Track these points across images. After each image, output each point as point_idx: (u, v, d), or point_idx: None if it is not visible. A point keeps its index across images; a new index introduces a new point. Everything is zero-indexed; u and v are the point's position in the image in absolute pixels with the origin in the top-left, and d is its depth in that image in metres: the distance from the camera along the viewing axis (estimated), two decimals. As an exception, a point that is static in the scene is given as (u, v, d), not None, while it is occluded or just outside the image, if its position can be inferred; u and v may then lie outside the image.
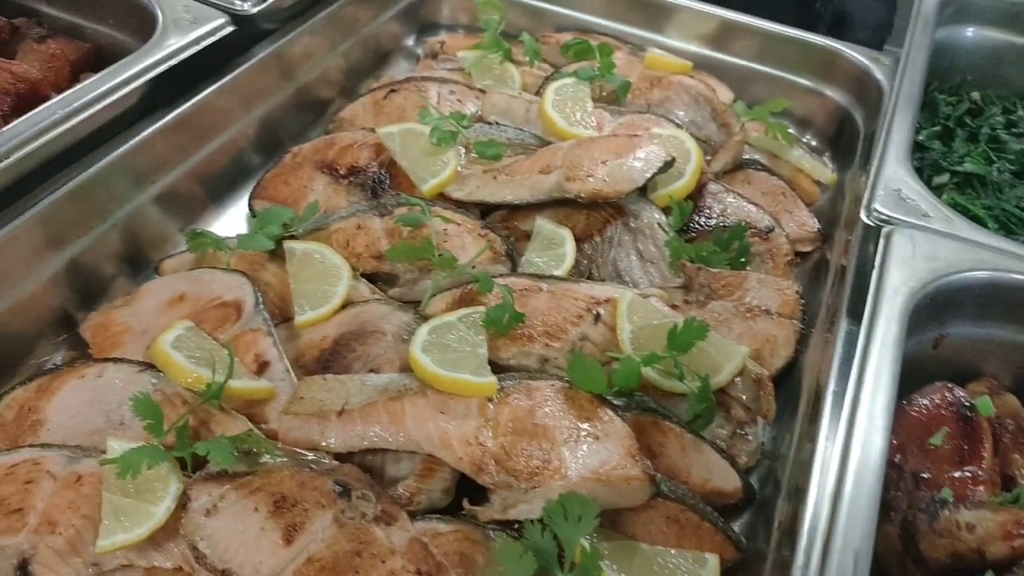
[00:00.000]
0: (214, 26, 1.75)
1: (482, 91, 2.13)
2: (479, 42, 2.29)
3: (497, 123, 2.03)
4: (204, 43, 1.71)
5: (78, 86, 1.54)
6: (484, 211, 1.86)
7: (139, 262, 1.70)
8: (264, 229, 1.65)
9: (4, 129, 1.43)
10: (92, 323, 1.55)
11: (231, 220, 1.88)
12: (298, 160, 1.93)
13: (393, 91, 2.10)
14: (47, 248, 1.51)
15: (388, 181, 1.86)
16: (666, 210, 1.81)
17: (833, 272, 1.71)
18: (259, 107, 1.95)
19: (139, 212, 1.68)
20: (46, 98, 1.71)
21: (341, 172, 1.88)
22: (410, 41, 2.49)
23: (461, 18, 2.55)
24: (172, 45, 1.67)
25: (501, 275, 1.65)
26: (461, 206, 1.82)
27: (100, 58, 1.94)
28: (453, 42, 2.40)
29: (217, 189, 1.88)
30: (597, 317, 1.55)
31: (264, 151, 2.00)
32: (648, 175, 1.77)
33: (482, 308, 1.51)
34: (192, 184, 1.80)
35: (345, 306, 1.58)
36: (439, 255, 1.61)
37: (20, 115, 1.65)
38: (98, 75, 1.58)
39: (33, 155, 1.43)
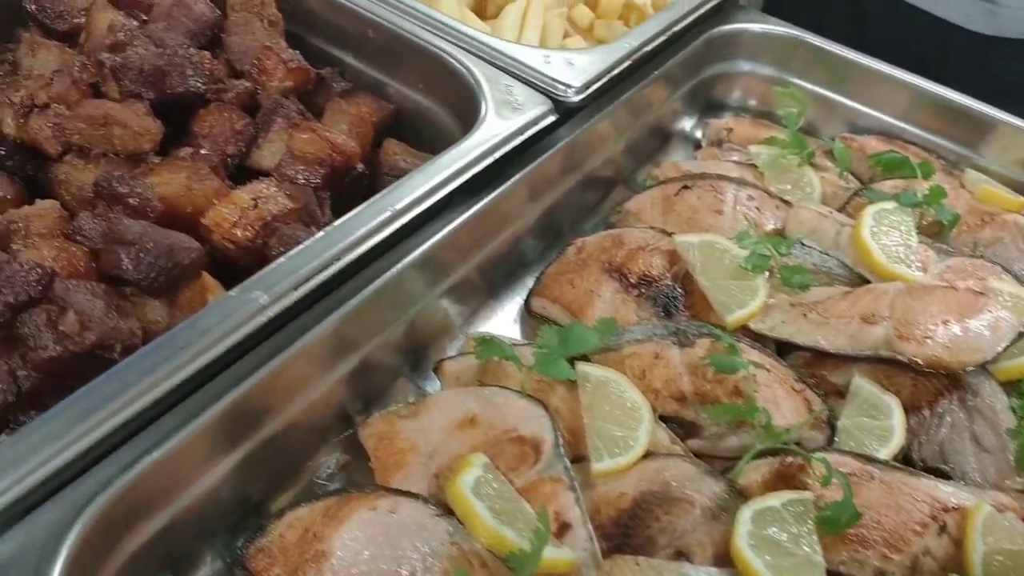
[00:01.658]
0: (538, 114, 1.58)
1: (784, 201, 1.91)
2: (773, 136, 2.08)
3: (802, 244, 1.81)
4: (528, 133, 1.55)
5: (405, 179, 1.39)
6: (780, 346, 1.65)
7: (419, 359, 1.57)
8: (565, 350, 1.49)
9: (336, 225, 1.30)
10: (374, 430, 1.43)
11: (506, 315, 1.73)
12: (583, 257, 1.77)
13: (686, 187, 1.90)
14: (343, 349, 1.39)
15: (683, 299, 1.68)
16: (1005, 386, 1.56)
17: None
18: (550, 194, 1.79)
19: (428, 307, 1.54)
20: (353, 168, 1.60)
21: (631, 280, 1.70)
22: (689, 123, 2.28)
23: (750, 101, 2.32)
24: (497, 135, 1.51)
25: (820, 447, 1.44)
26: (757, 338, 1.62)
27: (398, 120, 1.83)
28: (740, 129, 2.19)
29: (495, 281, 1.73)
30: (943, 528, 1.31)
31: (543, 239, 1.84)
32: (999, 348, 1.52)
33: (809, 494, 1.30)
34: (477, 277, 1.66)
35: (644, 455, 1.41)
36: (759, 420, 1.40)
37: (328, 186, 1.56)
38: (425, 165, 1.44)
39: (358, 259, 1.30)
